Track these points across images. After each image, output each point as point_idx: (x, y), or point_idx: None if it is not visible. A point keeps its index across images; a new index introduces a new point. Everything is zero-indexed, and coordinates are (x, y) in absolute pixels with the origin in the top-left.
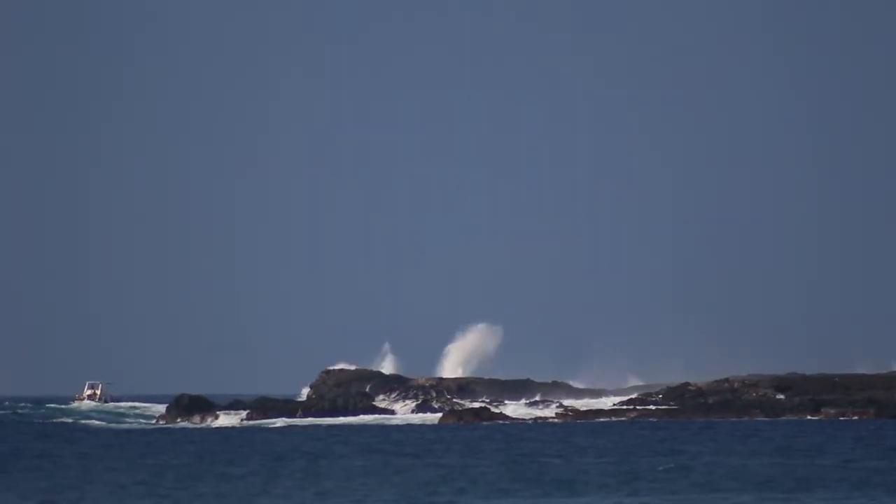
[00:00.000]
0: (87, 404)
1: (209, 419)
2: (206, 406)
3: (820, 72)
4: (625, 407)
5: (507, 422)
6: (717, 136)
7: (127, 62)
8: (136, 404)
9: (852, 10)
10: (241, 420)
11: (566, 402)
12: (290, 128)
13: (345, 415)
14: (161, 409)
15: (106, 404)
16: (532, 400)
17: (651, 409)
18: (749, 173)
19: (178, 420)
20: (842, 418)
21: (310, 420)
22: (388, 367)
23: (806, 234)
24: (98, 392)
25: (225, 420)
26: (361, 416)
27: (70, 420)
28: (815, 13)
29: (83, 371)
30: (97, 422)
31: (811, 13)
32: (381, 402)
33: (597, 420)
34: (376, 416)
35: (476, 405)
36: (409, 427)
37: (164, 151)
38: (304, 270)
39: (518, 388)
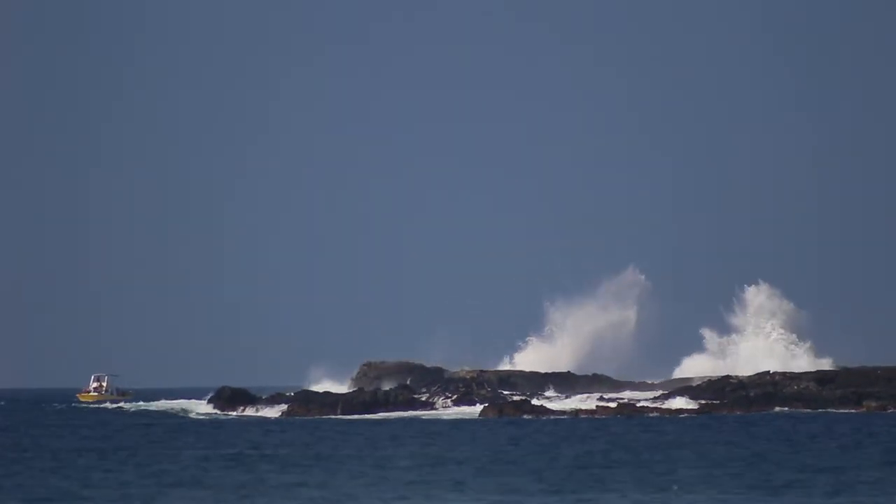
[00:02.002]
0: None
1: (249, 412)
2: (247, 399)
3: (821, 72)
4: (666, 404)
5: (548, 416)
6: (718, 135)
7: (127, 62)
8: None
9: (854, 10)
10: (283, 413)
11: (607, 396)
12: (291, 127)
13: (387, 409)
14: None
15: (122, 396)
16: (572, 393)
17: (697, 404)
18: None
19: (227, 412)
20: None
21: (398, 413)
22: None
23: (848, 224)
24: (104, 384)
25: (264, 413)
26: (411, 412)
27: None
28: (817, 14)
29: (83, 364)
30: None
31: (812, 14)
32: (422, 395)
33: (642, 414)
34: (419, 411)
35: (517, 398)
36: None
37: (164, 150)
38: (301, 266)
39: (558, 381)
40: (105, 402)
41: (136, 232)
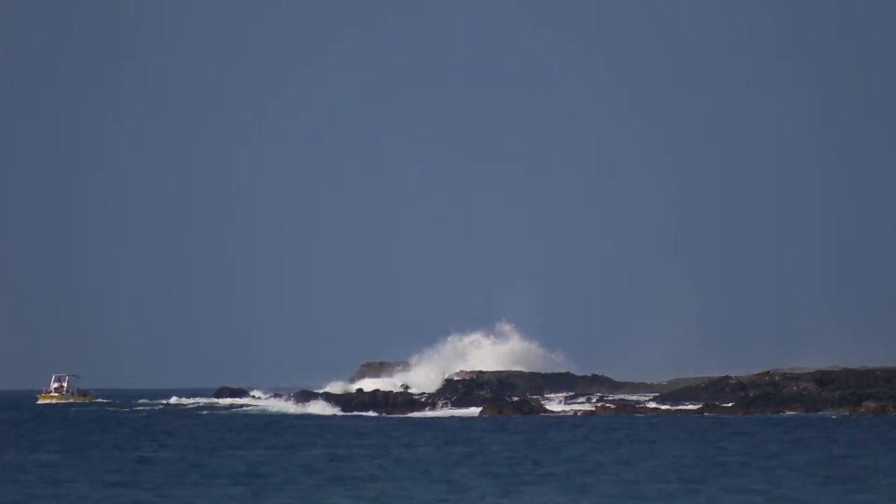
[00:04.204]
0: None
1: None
2: (245, 398)
3: (826, 73)
4: (666, 406)
5: (546, 415)
6: (724, 135)
7: (126, 55)
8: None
9: (855, 10)
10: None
11: (606, 396)
12: (290, 127)
13: (387, 410)
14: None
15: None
16: (571, 393)
17: (694, 406)
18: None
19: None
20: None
21: (399, 415)
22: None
23: (841, 227)
24: (65, 385)
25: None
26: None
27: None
28: (822, 16)
29: (44, 365)
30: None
31: (817, 16)
32: (422, 395)
33: (643, 415)
34: (419, 412)
35: (516, 398)
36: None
37: (164, 150)
38: (301, 267)
39: (558, 382)
40: (67, 402)
41: (133, 232)
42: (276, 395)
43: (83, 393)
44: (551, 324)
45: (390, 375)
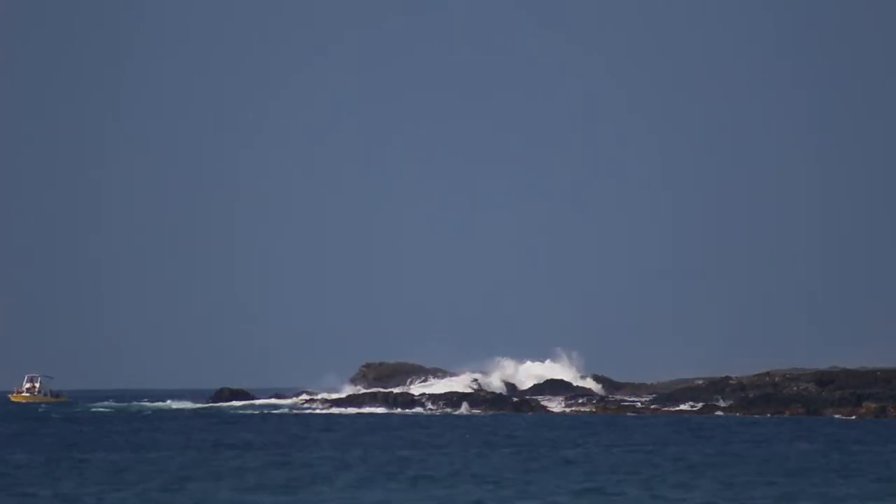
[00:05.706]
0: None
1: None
2: (246, 398)
3: (826, 73)
4: (666, 406)
5: (545, 414)
6: (724, 135)
7: (126, 55)
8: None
9: (855, 10)
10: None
11: (606, 396)
12: (292, 129)
13: (386, 406)
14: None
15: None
16: (571, 393)
17: (693, 407)
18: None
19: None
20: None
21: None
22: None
23: (841, 227)
24: (37, 385)
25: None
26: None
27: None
28: (822, 16)
29: (44, 365)
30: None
31: (817, 16)
32: (421, 396)
33: (637, 415)
34: (417, 409)
35: (515, 399)
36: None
37: (165, 151)
38: (301, 268)
39: (558, 382)
40: (39, 403)
41: (133, 232)
42: (280, 396)
43: (56, 394)
44: (553, 326)
45: (401, 381)
